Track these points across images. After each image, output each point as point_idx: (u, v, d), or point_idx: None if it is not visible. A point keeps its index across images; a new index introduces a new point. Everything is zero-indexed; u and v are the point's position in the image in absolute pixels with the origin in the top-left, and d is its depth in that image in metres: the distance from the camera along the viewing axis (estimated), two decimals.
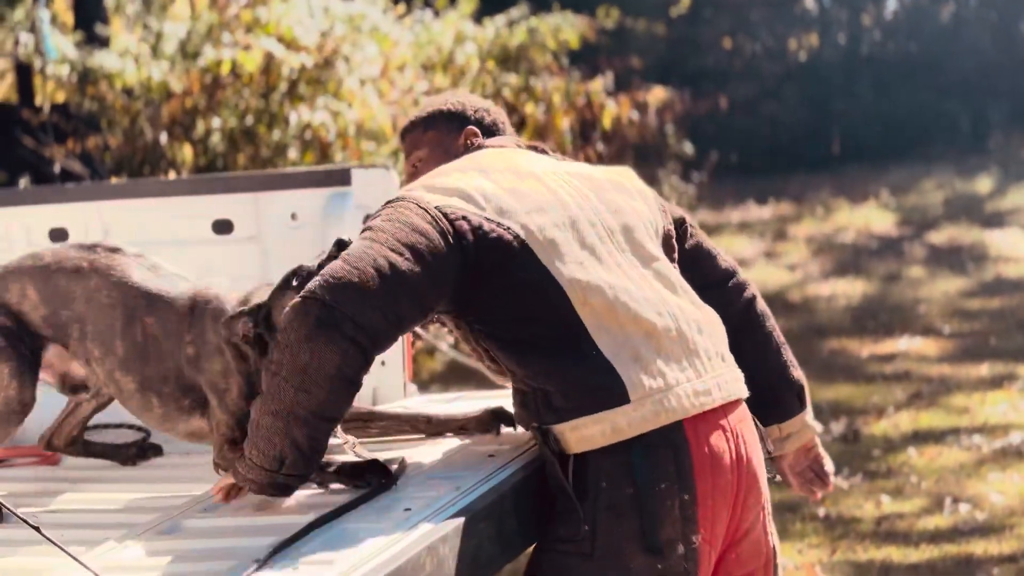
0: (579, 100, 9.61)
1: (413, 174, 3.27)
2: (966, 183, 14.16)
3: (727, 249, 10.73)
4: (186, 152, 9.02)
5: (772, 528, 3.06)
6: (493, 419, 3.20)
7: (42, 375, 3.31)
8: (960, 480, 6.30)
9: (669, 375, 2.88)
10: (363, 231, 2.89)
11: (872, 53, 16.66)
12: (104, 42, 10.62)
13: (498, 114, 3.31)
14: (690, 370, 2.91)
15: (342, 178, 3.86)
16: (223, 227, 4.00)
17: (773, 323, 3.39)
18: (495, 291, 2.89)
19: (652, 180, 11.84)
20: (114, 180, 8.74)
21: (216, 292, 3.17)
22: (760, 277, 11.46)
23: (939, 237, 12.43)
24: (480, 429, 3.21)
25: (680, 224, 3.30)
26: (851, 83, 16.56)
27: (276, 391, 2.75)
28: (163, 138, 9.06)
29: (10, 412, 3.22)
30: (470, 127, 3.25)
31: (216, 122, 8.94)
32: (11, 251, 4.14)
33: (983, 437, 6.90)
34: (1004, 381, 7.95)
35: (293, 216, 3.92)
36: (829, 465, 3.39)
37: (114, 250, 3.30)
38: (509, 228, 2.90)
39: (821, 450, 3.38)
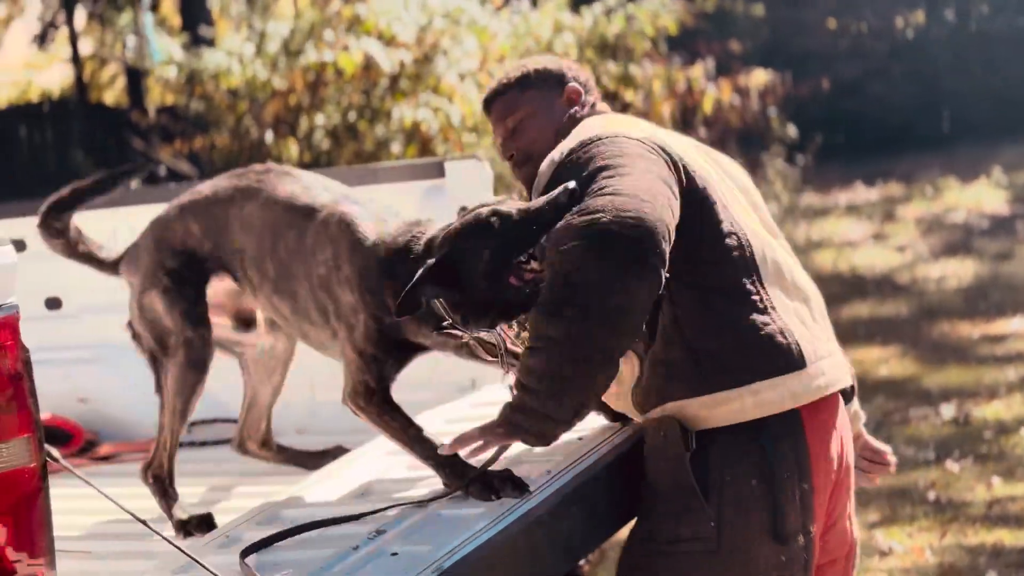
0: (679, 86, 9.57)
1: (511, 135, 3.16)
2: None
3: (835, 231, 10.51)
4: (291, 149, 9.10)
5: (855, 519, 3.08)
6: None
7: (215, 317, 3.32)
8: None
9: (821, 347, 2.88)
10: (595, 172, 2.73)
11: (981, 28, 16.37)
12: (210, 43, 10.78)
13: (589, 76, 3.26)
14: (831, 342, 2.95)
15: (436, 171, 3.90)
16: None
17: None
18: (690, 229, 2.79)
19: (756, 164, 11.75)
20: None
21: (354, 213, 3.05)
22: (868, 259, 11.35)
23: None
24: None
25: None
26: (960, 60, 16.29)
27: (583, 336, 2.60)
28: (268, 136, 9.15)
29: (195, 356, 3.24)
30: (572, 85, 3.18)
31: (319, 119, 9.01)
32: (118, 251, 4.24)
33: None
34: None
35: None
36: (881, 445, 3.38)
37: (265, 170, 3.28)
38: (697, 172, 2.86)
39: (867, 436, 3.37)
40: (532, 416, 2.65)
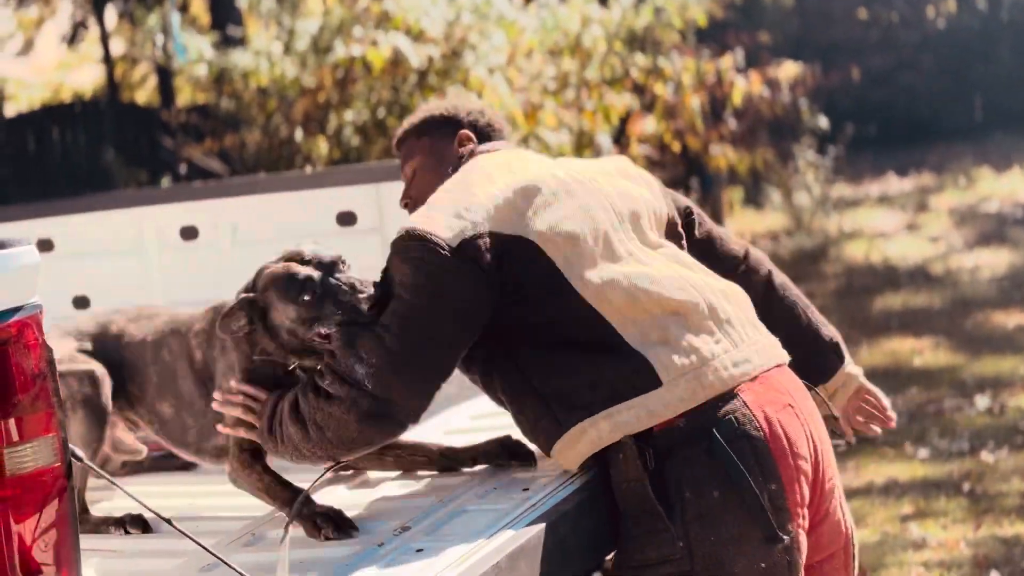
0: (709, 78, 9.53)
1: (411, 182, 3.21)
2: None
3: (867, 222, 10.47)
4: (320, 146, 9.11)
5: (847, 508, 3.01)
6: (502, 450, 3.10)
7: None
8: None
9: (703, 349, 2.82)
10: (395, 298, 2.83)
11: (1013, 17, 16.27)
12: (239, 41, 10.80)
13: (493, 116, 3.24)
14: (725, 341, 2.86)
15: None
16: (347, 219, 4.06)
17: (795, 289, 3.35)
18: (516, 299, 2.84)
19: (787, 156, 11.71)
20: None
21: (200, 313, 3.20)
22: (901, 250, 11.29)
23: None
24: (490, 460, 3.11)
25: (687, 213, 3.26)
26: (992, 49, 16.21)
27: (313, 438, 2.80)
28: (298, 134, 9.16)
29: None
30: (463, 131, 3.17)
31: (348, 115, 9.01)
32: (143, 250, 4.26)
33: None
34: None
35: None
36: (884, 399, 3.33)
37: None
38: (522, 236, 2.85)
39: (869, 385, 3.32)
40: (273, 447, 2.90)
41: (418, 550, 2.60)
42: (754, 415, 2.78)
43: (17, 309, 2.31)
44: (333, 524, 2.78)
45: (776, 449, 2.77)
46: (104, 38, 17.86)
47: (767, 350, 2.93)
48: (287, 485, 2.93)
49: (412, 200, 3.18)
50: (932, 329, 8.85)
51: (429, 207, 2.91)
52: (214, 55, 9.47)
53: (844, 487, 5.94)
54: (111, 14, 18.36)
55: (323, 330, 2.82)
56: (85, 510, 3.15)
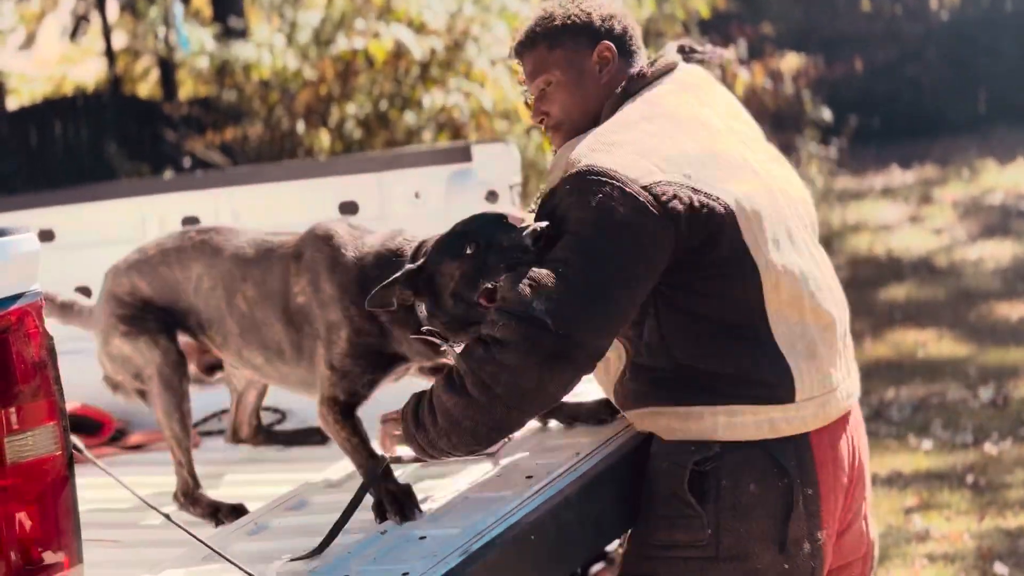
0: (712, 70, 9.49)
1: (545, 96, 2.91)
2: None
3: (871, 214, 10.38)
4: (322, 139, 9.10)
5: (872, 519, 2.96)
6: (605, 408, 3.04)
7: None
8: None
9: (834, 376, 2.76)
10: (570, 237, 2.61)
11: (1017, 8, 16.20)
12: (241, 34, 10.78)
13: (626, 19, 2.94)
14: (843, 370, 2.80)
15: (463, 155, 3.87)
16: (349, 208, 4.04)
17: None
18: (693, 265, 2.68)
19: (790, 148, 11.66)
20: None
21: (335, 233, 3.02)
22: (905, 242, 11.26)
23: None
24: (592, 418, 3.07)
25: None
26: (996, 41, 16.15)
27: (486, 404, 2.57)
28: (300, 126, 9.14)
29: (169, 378, 3.24)
30: (603, 42, 2.87)
31: (351, 108, 9.00)
32: (145, 240, 4.24)
33: None
34: None
35: (416, 195, 3.95)
36: None
37: (205, 231, 3.30)
38: (719, 199, 2.67)
39: None
40: (424, 444, 2.67)
41: (421, 537, 2.58)
42: (811, 445, 2.74)
43: (17, 297, 2.29)
44: (397, 508, 2.71)
45: (819, 455, 2.74)
46: (106, 31, 17.85)
47: (856, 383, 2.90)
48: (372, 454, 2.87)
49: (551, 118, 2.91)
50: (936, 321, 8.83)
51: (611, 144, 2.68)
52: (216, 47, 9.45)
53: None
54: (113, 7, 18.33)
55: (489, 284, 2.63)
56: (197, 485, 3.21)
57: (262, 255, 3.13)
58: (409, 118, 8.82)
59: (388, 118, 8.99)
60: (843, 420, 2.80)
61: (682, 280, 2.68)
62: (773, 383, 2.68)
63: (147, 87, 19.50)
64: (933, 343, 8.32)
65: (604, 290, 2.57)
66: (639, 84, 2.87)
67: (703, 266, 2.67)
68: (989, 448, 6.24)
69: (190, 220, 4.18)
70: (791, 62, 10.25)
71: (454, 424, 2.59)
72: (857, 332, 8.70)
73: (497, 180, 3.72)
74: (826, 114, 11.48)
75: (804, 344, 2.71)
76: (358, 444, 2.89)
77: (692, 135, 2.74)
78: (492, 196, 3.75)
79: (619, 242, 2.59)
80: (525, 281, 2.55)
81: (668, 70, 2.90)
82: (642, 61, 2.93)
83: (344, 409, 2.93)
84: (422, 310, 2.77)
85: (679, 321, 2.71)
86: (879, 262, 10.83)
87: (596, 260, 2.58)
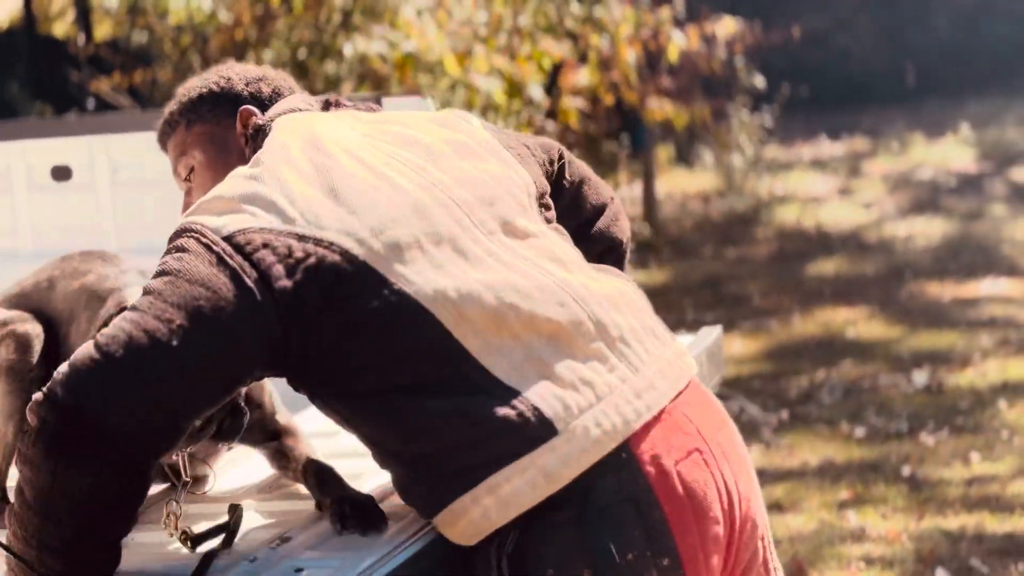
0: (645, 31, 9.16)
1: (192, 186, 2.45)
2: None
3: (799, 186, 10.12)
4: None
5: (776, 563, 2.37)
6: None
7: None
8: None
9: (598, 382, 2.14)
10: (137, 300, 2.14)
11: None
12: None
13: (279, 80, 2.50)
14: (622, 366, 2.18)
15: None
16: None
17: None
18: (333, 335, 2.11)
19: (721, 115, 11.38)
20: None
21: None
22: (834, 216, 11.02)
23: (1021, 175, 11.93)
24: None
25: (559, 159, 2.56)
26: (927, 14, 16.02)
27: (21, 515, 2.07)
28: None
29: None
30: (245, 107, 2.42)
31: (267, 55, 8.62)
32: (12, 192, 3.82)
33: None
34: None
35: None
36: None
37: (80, 256, 2.78)
38: (333, 244, 2.11)
39: None
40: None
41: (297, 570, 2.14)
42: (643, 470, 2.12)
43: None
44: (359, 518, 2.25)
45: (672, 514, 2.13)
46: None
47: (673, 366, 2.25)
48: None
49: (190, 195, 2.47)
50: (866, 298, 8.58)
51: (207, 204, 2.19)
52: None
53: (776, 467, 5.69)
54: None
55: None
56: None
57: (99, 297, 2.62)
58: (329, 67, 8.48)
59: (307, 67, 8.63)
60: (696, 451, 2.17)
61: (334, 361, 2.13)
62: (521, 423, 2.08)
63: (63, 26, 18.87)
64: (863, 322, 8.06)
65: (130, 341, 2.03)
66: (259, 135, 2.37)
67: (345, 331, 2.11)
68: (925, 438, 5.97)
69: (61, 171, 3.75)
70: (728, 26, 9.90)
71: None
72: (786, 308, 8.44)
73: None
74: (759, 81, 11.20)
75: (532, 366, 2.13)
76: None
77: (301, 169, 2.21)
78: None
79: (173, 285, 2.08)
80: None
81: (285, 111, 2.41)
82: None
83: None
84: None
85: (371, 410, 2.14)
86: (808, 236, 10.58)
87: (141, 305, 2.08)
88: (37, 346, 2.62)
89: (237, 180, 2.22)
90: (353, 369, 2.12)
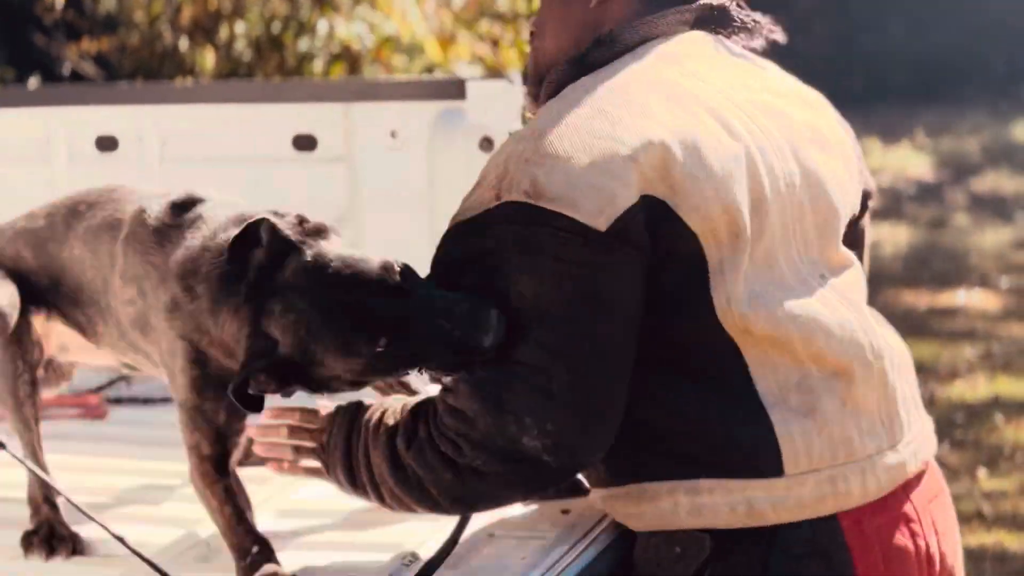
0: None
1: (533, 32, 2.21)
2: (1001, 128, 13.73)
3: None
4: (207, 58, 8.49)
5: None
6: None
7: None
8: None
9: (857, 442, 2.00)
10: (517, 305, 1.90)
11: None
12: None
13: None
14: (885, 434, 2.04)
15: (455, 91, 3.25)
16: (305, 143, 3.43)
17: None
18: (659, 298, 1.98)
19: None
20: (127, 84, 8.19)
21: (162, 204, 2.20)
22: None
23: (981, 184, 11.96)
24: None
25: (866, 198, 2.35)
26: (882, 20, 16.07)
27: (433, 498, 1.98)
28: (183, 42, 8.52)
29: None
30: None
31: (241, 27, 8.40)
32: (52, 161, 3.58)
33: None
34: None
35: (393, 134, 3.34)
36: None
37: (106, 191, 2.40)
38: (687, 225, 1.93)
39: None
40: (349, 486, 2.09)
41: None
42: (841, 524, 1.98)
43: None
44: None
45: (860, 558, 1.99)
46: None
47: (924, 443, 2.13)
48: (253, 533, 2.11)
49: (539, 66, 2.17)
50: None
51: (554, 157, 1.92)
52: None
53: None
54: None
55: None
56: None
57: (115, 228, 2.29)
58: (302, 44, 8.31)
59: (281, 42, 8.45)
60: (902, 516, 2.03)
61: (649, 323, 2.00)
62: (751, 448, 1.95)
63: None
64: None
65: (602, 395, 1.91)
66: (631, 37, 2.09)
67: (676, 304, 1.98)
68: None
69: (107, 141, 3.53)
70: None
71: (409, 487, 1.99)
72: None
73: (495, 124, 3.13)
74: None
75: (800, 398, 1.98)
76: (232, 518, 2.12)
77: (694, 115, 2.01)
78: (487, 144, 3.15)
79: (596, 321, 1.91)
80: (500, 408, 1.88)
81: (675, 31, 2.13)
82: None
83: (214, 464, 2.15)
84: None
85: (640, 370, 2.00)
86: None
87: (580, 360, 1.90)
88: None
89: (589, 133, 1.95)
90: (658, 341, 1.97)
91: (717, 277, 1.95)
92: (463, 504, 1.99)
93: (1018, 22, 15.51)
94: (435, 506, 1.98)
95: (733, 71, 2.13)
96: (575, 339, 1.88)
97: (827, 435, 1.97)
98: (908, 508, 2.05)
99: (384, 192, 3.31)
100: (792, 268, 2.04)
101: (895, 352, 2.15)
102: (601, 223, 1.88)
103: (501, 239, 1.89)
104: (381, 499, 2.03)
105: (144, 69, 8.63)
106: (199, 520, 2.23)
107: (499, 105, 3.23)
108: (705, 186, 1.94)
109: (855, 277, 2.15)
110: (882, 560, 2.00)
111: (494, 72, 8.35)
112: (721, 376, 1.97)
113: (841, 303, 2.06)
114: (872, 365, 2.04)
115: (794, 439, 1.96)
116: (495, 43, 8.34)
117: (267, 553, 2.06)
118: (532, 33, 2.20)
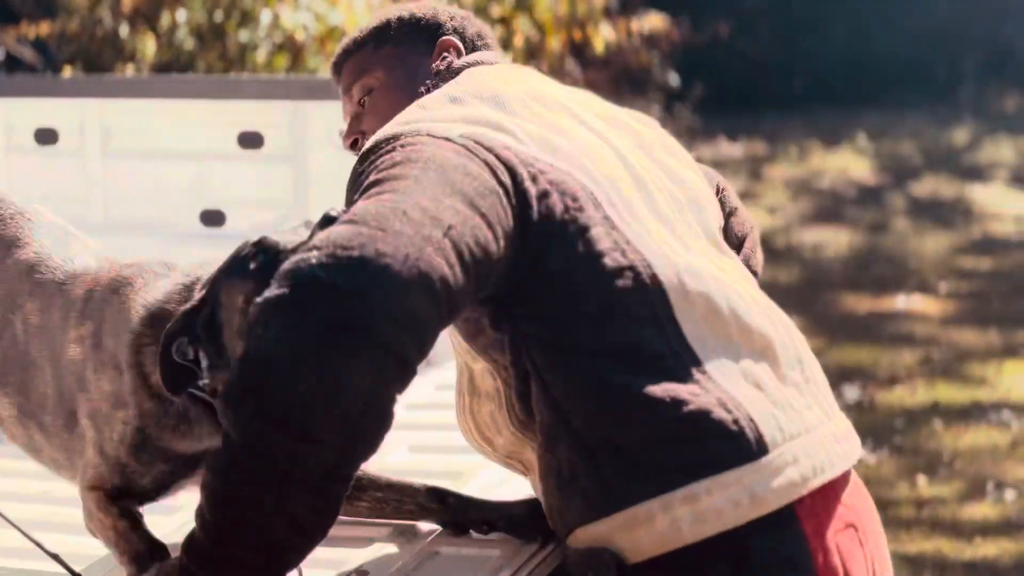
0: (573, 22, 8.99)
1: (363, 109, 2.23)
2: (941, 133, 13.84)
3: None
4: (148, 45, 8.36)
5: None
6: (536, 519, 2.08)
7: None
8: (998, 462, 5.80)
9: (806, 414, 1.92)
10: (364, 190, 1.81)
11: None
12: None
13: (482, 27, 2.31)
14: (816, 407, 1.96)
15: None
16: (251, 140, 3.36)
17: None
18: (561, 263, 1.86)
19: (641, 111, 11.26)
20: (69, 70, 8.05)
21: (137, 272, 2.12)
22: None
23: (921, 189, 12.03)
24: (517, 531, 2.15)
25: (720, 191, 2.37)
26: (825, 23, 16.12)
27: (260, 450, 1.64)
28: (124, 29, 8.39)
29: None
30: (446, 38, 2.23)
31: (183, 15, 8.28)
32: None
33: (1012, 414, 6.41)
34: (1021, 349, 7.48)
35: (341, 133, 3.27)
36: None
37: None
38: (571, 173, 1.89)
39: None
40: (206, 562, 1.71)
41: None
42: (805, 532, 1.88)
43: None
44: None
45: (819, 559, 1.90)
46: None
47: (848, 437, 2.04)
48: (147, 539, 2.02)
49: (365, 137, 2.20)
50: (783, 307, 8.48)
51: (405, 120, 1.94)
52: None
53: None
54: None
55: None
56: None
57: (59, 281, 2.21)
58: (243, 35, 8.19)
59: (224, 31, 8.32)
60: (852, 530, 1.96)
61: (549, 296, 1.86)
62: (735, 434, 1.83)
63: None
64: None
65: (422, 203, 1.73)
66: (449, 74, 2.18)
67: (569, 267, 1.86)
68: (867, 455, 5.87)
69: (46, 133, 3.44)
70: (653, 22, 9.76)
71: (233, 515, 1.66)
72: None
73: None
74: (673, 79, 11.10)
75: (742, 373, 1.89)
76: (125, 529, 2.01)
77: (520, 112, 1.99)
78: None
79: (439, 167, 1.80)
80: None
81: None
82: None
83: (114, 493, 2.06)
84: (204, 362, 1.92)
85: (565, 369, 1.85)
86: None
87: (410, 182, 1.77)
88: None
89: (441, 102, 1.98)
90: (571, 311, 1.85)
91: (632, 235, 1.91)
92: (263, 401, 1.63)
93: (959, 28, 15.63)
94: (258, 454, 1.64)
95: (565, 89, 2.17)
96: (414, 181, 1.78)
97: (779, 406, 1.90)
98: (855, 518, 1.99)
99: (331, 191, 3.25)
100: (699, 248, 2.01)
101: (802, 337, 2.10)
102: (468, 140, 1.88)
103: (384, 157, 1.86)
104: (249, 484, 1.66)
105: (83, 55, 8.50)
106: None
107: None
108: (576, 154, 1.95)
109: (742, 266, 2.12)
110: (841, 564, 1.93)
111: None
112: (677, 368, 1.86)
113: (745, 283, 2.03)
114: (786, 342, 2.00)
115: (764, 415, 1.87)
116: None
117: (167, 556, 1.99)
118: (359, 104, 2.23)
